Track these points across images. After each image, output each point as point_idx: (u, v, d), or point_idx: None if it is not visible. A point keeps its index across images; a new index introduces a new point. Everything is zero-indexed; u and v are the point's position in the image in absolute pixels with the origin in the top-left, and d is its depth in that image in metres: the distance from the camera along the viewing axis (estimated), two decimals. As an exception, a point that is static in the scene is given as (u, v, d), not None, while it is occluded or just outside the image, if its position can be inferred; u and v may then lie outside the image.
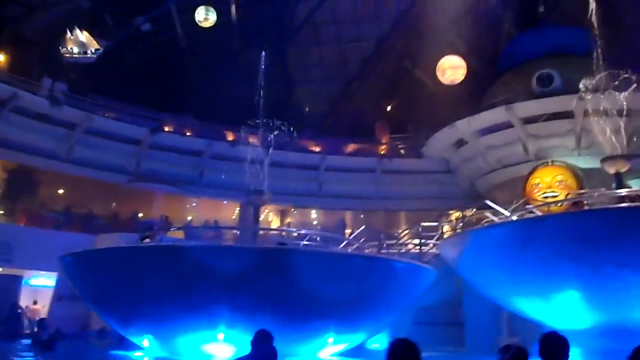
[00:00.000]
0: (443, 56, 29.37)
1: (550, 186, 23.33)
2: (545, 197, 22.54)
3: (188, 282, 10.36)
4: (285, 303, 10.53)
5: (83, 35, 26.29)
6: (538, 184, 23.62)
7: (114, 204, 29.28)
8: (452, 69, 23.85)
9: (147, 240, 11.82)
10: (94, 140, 26.56)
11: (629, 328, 9.78)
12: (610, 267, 9.42)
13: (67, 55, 26.45)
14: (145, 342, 11.95)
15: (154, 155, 28.15)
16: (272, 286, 10.61)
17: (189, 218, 31.03)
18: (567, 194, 21.08)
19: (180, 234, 23.42)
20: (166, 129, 28.74)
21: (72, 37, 26.07)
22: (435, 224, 20.84)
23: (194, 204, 31.20)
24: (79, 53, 26.55)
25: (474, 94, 30.48)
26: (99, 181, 26.75)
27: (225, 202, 30.74)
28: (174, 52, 34.17)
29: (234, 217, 31.40)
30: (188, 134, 29.31)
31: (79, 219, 26.50)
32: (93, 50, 26.67)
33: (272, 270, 10.64)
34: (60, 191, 28.77)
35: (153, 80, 29.78)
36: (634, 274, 9.34)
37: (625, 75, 15.10)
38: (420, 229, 20.07)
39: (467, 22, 34.40)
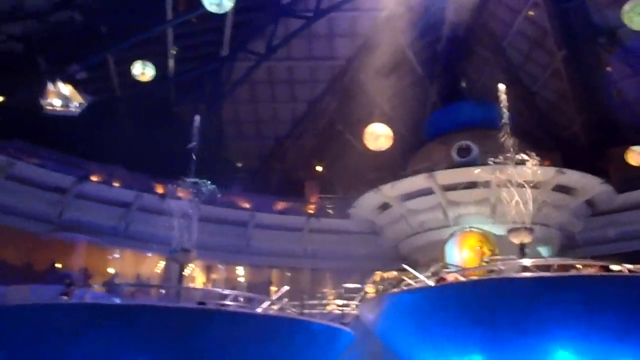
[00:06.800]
0: (372, 121, 30.67)
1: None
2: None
3: (111, 341, 10.31)
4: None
5: (66, 89, 25.26)
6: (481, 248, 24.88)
7: (30, 253, 27.99)
8: (380, 136, 25.15)
9: (65, 297, 11.62)
10: (15, 187, 25.68)
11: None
12: (505, 332, 10.25)
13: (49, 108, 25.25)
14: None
15: (79, 205, 27.42)
16: (192, 345, 10.71)
17: (111, 270, 30.10)
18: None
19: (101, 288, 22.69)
20: (94, 178, 28.17)
21: (53, 89, 24.93)
22: (358, 285, 21.39)
23: (116, 256, 30.33)
24: (61, 107, 25.53)
25: (401, 158, 31.95)
26: (15, 228, 25.67)
27: (149, 254, 30.10)
28: (107, 101, 33.83)
29: (158, 271, 30.74)
30: (116, 184, 28.81)
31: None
32: (77, 105, 25.61)
33: (192, 330, 10.75)
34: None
35: (83, 128, 29.25)
36: (526, 337, 10.22)
37: (531, 153, 16.55)
38: (343, 290, 20.54)
39: (395, 90, 36.37)
